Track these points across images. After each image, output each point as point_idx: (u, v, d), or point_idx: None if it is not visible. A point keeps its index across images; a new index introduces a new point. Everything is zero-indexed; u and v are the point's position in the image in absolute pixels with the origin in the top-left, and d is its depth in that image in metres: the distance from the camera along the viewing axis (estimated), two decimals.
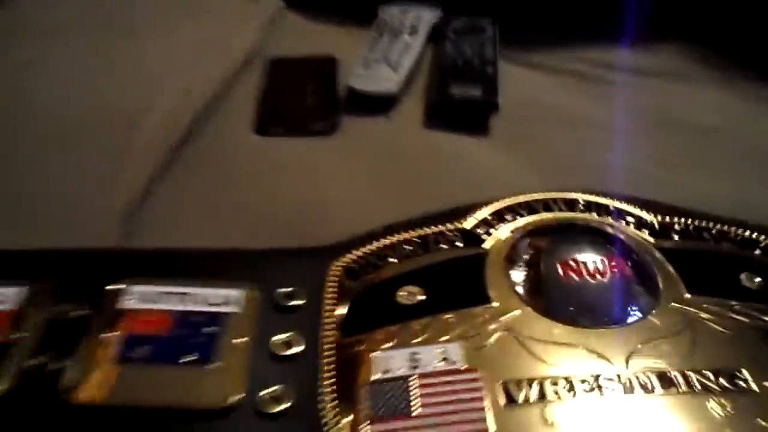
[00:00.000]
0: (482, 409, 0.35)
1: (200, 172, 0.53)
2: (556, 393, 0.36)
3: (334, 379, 0.37)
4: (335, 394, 0.37)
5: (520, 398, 0.36)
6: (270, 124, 0.58)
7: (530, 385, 0.36)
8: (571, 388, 0.36)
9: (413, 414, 0.35)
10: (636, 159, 0.57)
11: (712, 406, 0.35)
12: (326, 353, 0.39)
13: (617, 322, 0.40)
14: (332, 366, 0.38)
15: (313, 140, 0.58)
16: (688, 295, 0.41)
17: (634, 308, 0.41)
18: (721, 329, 0.40)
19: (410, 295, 0.42)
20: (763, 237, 0.46)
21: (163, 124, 0.55)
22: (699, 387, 0.36)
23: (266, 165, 0.54)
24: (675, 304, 0.41)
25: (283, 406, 0.36)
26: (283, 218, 0.49)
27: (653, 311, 0.40)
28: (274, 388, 0.37)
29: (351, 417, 0.36)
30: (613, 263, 0.42)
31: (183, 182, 0.52)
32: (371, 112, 0.60)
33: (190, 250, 0.44)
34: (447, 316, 0.40)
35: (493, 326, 0.39)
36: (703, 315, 0.40)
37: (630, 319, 0.40)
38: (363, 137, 0.58)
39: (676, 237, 0.46)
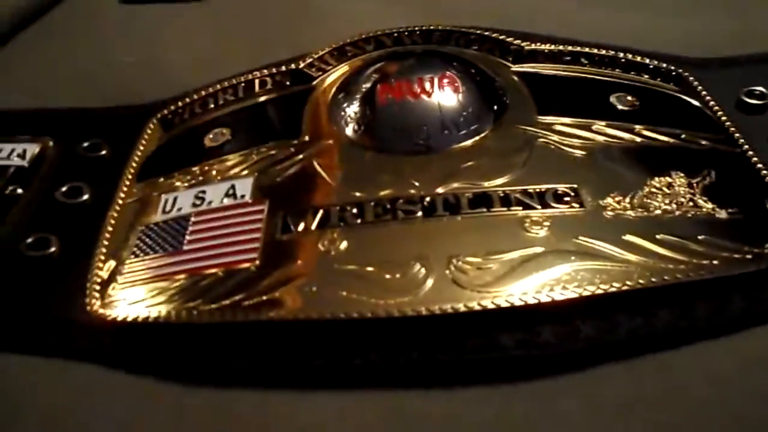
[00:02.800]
0: (255, 240, 0.31)
1: (54, 39, 0.50)
2: (342, 220, 0.31)
3: (112, 226, 0.34)
4: (110, 239, 0.33)
5: (300, 227, 0.31)
6: None
7: (314, 214, 0.32)
8: (360, 214, 0.31)
9: (183, 249, 0.31)
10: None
11: (529, 224, 0.30)
12: (117, 200, 0.35)
13: (440, 145, 0.34)
14: (117, 212, 0.34)
15: (177, 7, 0.53)
16: (538, 117, 0.36)
17: (465, 130, 0.35)
18: (569, 149, 0.34)
19: (217, 136, 0.37)
20: (633, 57, 0.39)
21: None
22: (517, 205, 0.31)
23: (122, 32, 0.50)
24: (519, 126, 0.35)
25: (48, 251, 0.33)
26: (124, 82, 0.45)
27: (488, 133, 0.35)
28: (43, 234, 0.33)
29: (115, 260, 0.32)
30: (444, 83, 0.36)
31: (34, 48, 0.49)
32: None
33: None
34: (249, 152, 0.36)
35: (296, 158, 0.35)
36: (553, 136, 0.35)
37: (458, 143, 0.35)
38: (235, 1, 0.53)
39: (543, 62, 0.40)
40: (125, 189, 0.36)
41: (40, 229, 0.34)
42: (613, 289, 0.28)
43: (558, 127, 0.35)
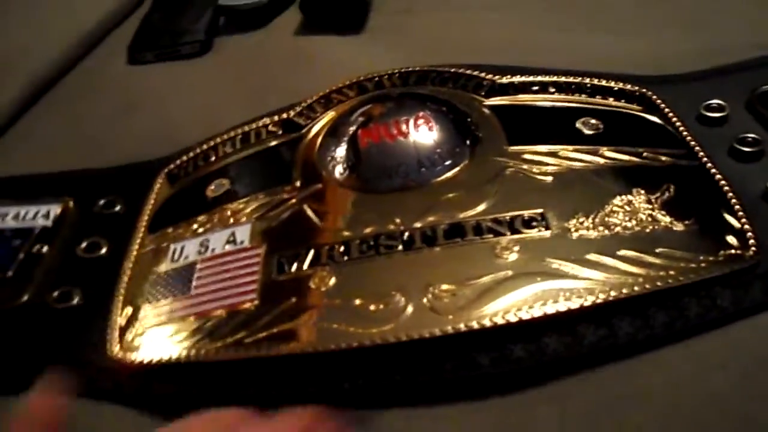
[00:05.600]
0: (253, 281, 0.34)
1: (66, 104, 0.54)
2: (331, 258, 0.34)
3: (128, 276, 0.37)
4: (126, 288, 0.37)
5: (293, 267, 0.35)
6: (139, 51, 0.58)
7: (305, 254, 0.35)
8: (346, 252, 0.34)
9: (191, 293, 0.35)
10: (516, 29, 0.53)
11: (500, 250, 0.33)
12: (132, 252, 0.39)
13: (418, 182, 0.37)
14: (132, 263, 0.38)
15: (184, 63, 0.57)
16: (508, 147, 0.39)
17: (440, 166, 0.38)
18: (537, 176, 0.37)
19: (218, 187, 0.41)
20: (599, 81, 0.42)
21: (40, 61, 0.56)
22: (488, 233, 0.34)
23: (132, 94, 0.54)
24: (491, 157, 0.38)
25: (71, 303, 0.37)
26: (135, 144, 0.49)
27: (462, 166, 0.38)
28: (67, 288, 0.37)
29: (132, 306, 0.36)
30: (419, 123, 0.39)
31: (48, 115, 0.53)
32: (247, 29, 0.59)
33: (16, 176, 0.45)
34: (247, 200, 0.39)
35: (289, 203, 0.38)
36: (522, 165, 0.37)
37: (435, 178, 0.38)
38: (236, 54, 0.57)
39: (513, 93, 0.42)
40: (139, 241, 0.39)
41: (64, 283, 0.38)
42: (576, 305, 0.30)
43: (527, 156, 0.38)
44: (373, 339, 0.30)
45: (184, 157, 0.44)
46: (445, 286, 0.32)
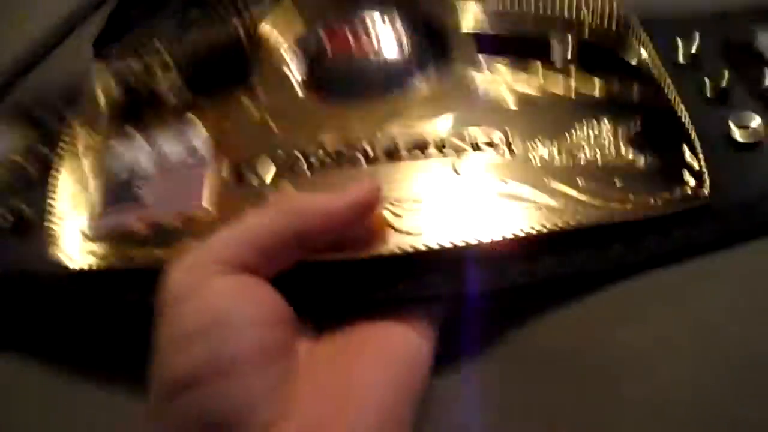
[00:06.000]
0: (208, 191, 0.33)
1: None
2: (291, 169, 0.33)
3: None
4: (75, 196, 0.35)
5: (251, 178, 0.34)
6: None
7: (264, 165, 0.34)
8: (308, 164, 0.34)
9: (142, 201, 0.34)
10: None
11: (459, 166, 0.33)
12: (76, 154, 0.37)
13: (382, 91, 0.36)
14: (73, 166, 0.36)
15: None
16: (479, 57, 0.37)
17: (406, 76, 0.37)
18: (506, 92, 0.36)
19: (168, 81, 0.38)
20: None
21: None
22: (450, 149, 0.33)
23: None
24: (459, 68, 0.37)
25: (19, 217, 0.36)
26: None
27: (428, 77, 0.37)
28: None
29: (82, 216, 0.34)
30: (386, 29, 0.38)
31: None
32: None
33: None
34: (201, 101, 0.37)
35: (246, 108, 0.36)
36: (491, 79, 0.36)
37: (399, 87, 0.36)
38: None
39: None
40: (84, 142, 0.37)
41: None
42: (534, 232, 0.30)
43: (497, 68, 0.37)
44: (329, 256, 0.30)
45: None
46: (404, 204, 0.31)
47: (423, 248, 0.30)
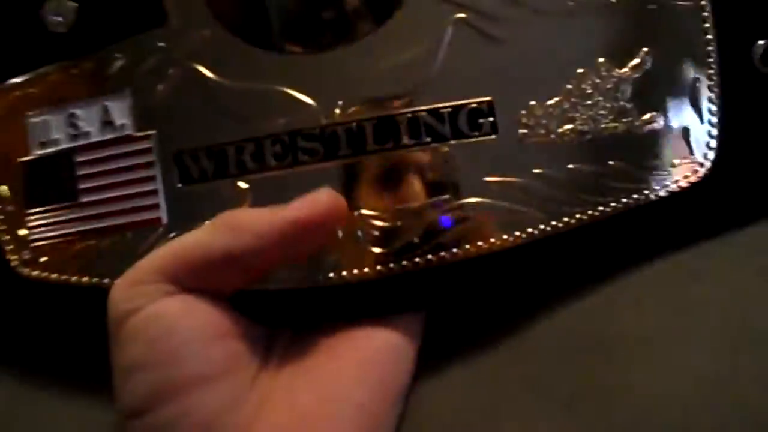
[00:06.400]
0: (154, 190, 0.29)
1: None
2: (242, 165, 0.29)
3: None
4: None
5: (196, 173, 0.29)
6: None
7: (209, 156, 0.29)
8: (259, 158, 0.29)
9: (81, 200, 0.30)
10: None
11: (439, 162, 0.28)
12: None
13: (338, 39, 0.29)
14: None
15: None
16: None
17: (366, 16, 0.29)
18: (488, 32, 0.29)
19: (61, 13, 0.30)
20: None
21: None
22: (427, 135, 0.28)
23: None
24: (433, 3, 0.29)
25: None
26: None
27: (394, 16, 0.29)
28: None
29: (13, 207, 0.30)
30: None
31: None
32: None
33: None
34: (109, 50, 0.29)
35: (170, 62, 0.29)
36: (472, 14, 0.29)
37: (360, 34, 0.29)
38: None
39: None
40: None
41: None
42: (515, 239, 0.28)
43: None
44: (300, 281, 0.28)
45: None
46: (377, 218, 0.28)
47: (400, 270, 0.28)
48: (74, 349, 0.31)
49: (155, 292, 0.25)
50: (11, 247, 0.30)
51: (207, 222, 0.27)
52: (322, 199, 0.26)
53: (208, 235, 0.26)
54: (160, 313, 0.25)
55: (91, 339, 0.28)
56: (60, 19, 0.30)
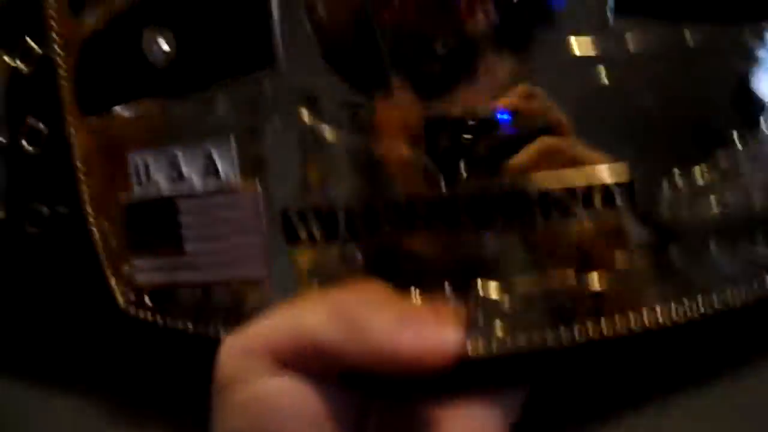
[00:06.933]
0: (260, 247, 0.27)
1: None
2: (351, 231, 0.26)
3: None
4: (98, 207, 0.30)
5: (304, 234, 0.26)
6: None
7: (319, 216, 0.26)
8: (375, 221, 0.25)
9: (184, 250, 0.28)
10: None
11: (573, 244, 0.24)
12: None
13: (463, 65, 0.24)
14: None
15: None
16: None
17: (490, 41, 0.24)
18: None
19: (158, 45, 0.27)
20: None
21: None
22: (559, 212, 0.24)
23: None
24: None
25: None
26: None
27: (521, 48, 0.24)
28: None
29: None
30: None
31: None
32: None
33: None
34: (212, 89, 0.26)
35: (276, 108, 0.26)
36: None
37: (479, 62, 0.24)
38: None
39: None
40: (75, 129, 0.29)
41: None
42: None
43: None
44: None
45: None
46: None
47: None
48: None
49: (263, 369, 0.25)
50: (117, 285, 0.30)
51: (321, 299, 0.25)
52: (449, 346, 0.23)
53: (323, 325, 0.24)
54: (268, 392, 0.25)
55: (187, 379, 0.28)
56: (158, 49, 0.27)
